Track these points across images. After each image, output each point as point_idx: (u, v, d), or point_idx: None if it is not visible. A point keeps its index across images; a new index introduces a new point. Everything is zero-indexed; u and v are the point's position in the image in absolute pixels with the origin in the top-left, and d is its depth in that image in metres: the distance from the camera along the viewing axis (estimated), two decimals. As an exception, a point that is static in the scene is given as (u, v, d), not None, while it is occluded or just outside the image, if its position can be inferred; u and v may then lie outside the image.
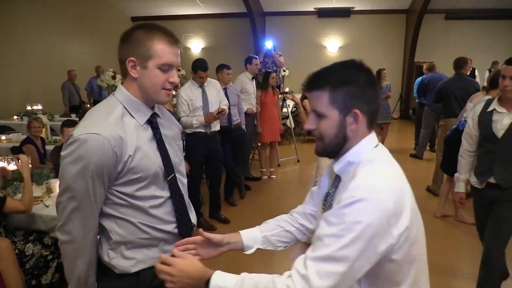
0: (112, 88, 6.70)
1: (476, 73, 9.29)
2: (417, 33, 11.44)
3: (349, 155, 1.16)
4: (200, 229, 1.40)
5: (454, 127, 4.24)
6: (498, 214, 2.56)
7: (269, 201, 5.10)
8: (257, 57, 5.73)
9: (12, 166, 3.04)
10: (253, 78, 5.50)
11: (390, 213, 1.01)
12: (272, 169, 6.13)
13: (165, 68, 1.33)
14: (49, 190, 3.25)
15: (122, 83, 1.42)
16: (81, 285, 1.40)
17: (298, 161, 7.10)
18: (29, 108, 7.51)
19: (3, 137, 5.55)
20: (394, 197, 1.03)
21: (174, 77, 1.37)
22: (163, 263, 1.18)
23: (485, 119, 2.60)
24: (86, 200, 1.28)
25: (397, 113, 11.94)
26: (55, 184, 3.11)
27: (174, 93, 3.96)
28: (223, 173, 4.63)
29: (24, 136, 5.06)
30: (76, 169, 1.24)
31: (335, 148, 1.17)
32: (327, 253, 1.00)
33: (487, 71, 9.74)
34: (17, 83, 8.71)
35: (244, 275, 1.11)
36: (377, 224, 0.99)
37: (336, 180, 1.23)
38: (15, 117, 7.24)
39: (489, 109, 2.61)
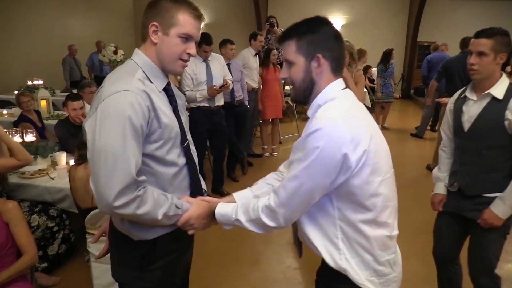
0: (114, 64, 6.66)
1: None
2: (420, 12, 11.30)
3: (318, 99, 1.29)
4: (198, 196, 1.49)
5: None
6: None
7: (270, 178, 5.15)
8: (262, 33, 5.68)
9: (31, 137, 3.06)
10: (256, 54, 5.46)
11: (346, 139, 1.15)
12: (274, 146, 6.15)
13: (186, 37, 1.35)
14: (54, 163, 3.28)
15: (138, 48, 1.42)
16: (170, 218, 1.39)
17: (300, 138, 7.11)
18: (29, 83, 7.46)
19: (5, 112, 5.55)
20: (349, 125, 1.18)
21: (193, 49, 1.38)
22: (182, 222, 1.40)
23: (456, 107, 2.13)
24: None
25: (399, 93, 11.89)
26: (60, 157, 3.14)
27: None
28: (226, 149, 4.65)
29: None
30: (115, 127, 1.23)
31: (305, 92, 1.31)
32: (293, 173, 1.21)
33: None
34: (17, 57, 8.65)
35: (239, 203, 1.39)
36: (333, 149, 1.15)
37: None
38: (16, 92, 7.19)
39: (462, 94, 2.15)
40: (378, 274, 1.30)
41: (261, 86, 5.61)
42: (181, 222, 1.39)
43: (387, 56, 7.67)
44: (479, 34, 1.97)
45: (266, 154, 6.03)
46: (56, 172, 3.05)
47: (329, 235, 1.29)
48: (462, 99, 2.12)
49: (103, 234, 1.70)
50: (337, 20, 12.34)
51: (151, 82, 1.36)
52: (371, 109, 8.56)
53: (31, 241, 2.20)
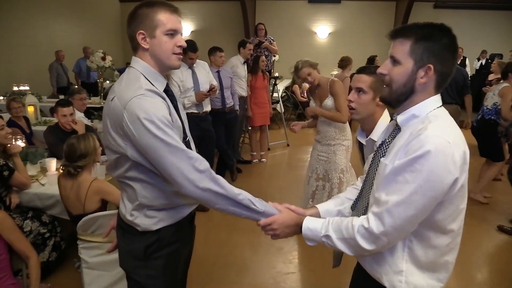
0: (102, 70, 6.65)
1: (467, 62, 9.48)
2: (406, 21, 11.51)
3: (415, 109, 1.23)
4: (286, 204, 1.53)
5: (478, 117, 4.51)
6: None
7: (259, 184, 5.19)
8: (251, 41, 5.73)
9: (20, 143, 3.07)
10: (245, 62, 5.51)
11: (457, 164, 1.12)
12: (262, 153, 6.20)
13: (171, 33, 1.43)
14: (43, 169, 3.26)
15: (135, 55, 1.49)
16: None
17: (288, 145, 7.17)
18: (15, 88, 7.38)
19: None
20: (460, 148, 1.14)
21: (181, 41, 1.47)
22: (265, 224, 1.43)
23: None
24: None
25: (385, 100, 12.05)
26: (50, 163, 3.13)
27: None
28: (215, 155, 4.67)
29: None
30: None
31: (400, 97, 1.24)
32: (400, 198, 1.13)
33: (476, 60, 9.96)
34: (1, 63, 8.51)
35: (329, 218, 1.33)
36: (445, 173, 1.11)
37: (395, 131, 1.31)
38: (1, 97, 7.12)
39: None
40: None
41: (249, 93, 5.65)
42: (264, 223, 1.43)
43: (371, 62, 7.84)
44: (360, 70, 1.90)
45: (255, 160, 6.06)
46: (47, 178, 3.03)
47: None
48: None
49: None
50: (324, 28, 12.49)
51: (153, 85, 1.45)
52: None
53: (28, 244, 2.24)
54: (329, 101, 3.41)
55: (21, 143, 2.99)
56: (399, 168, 1.15)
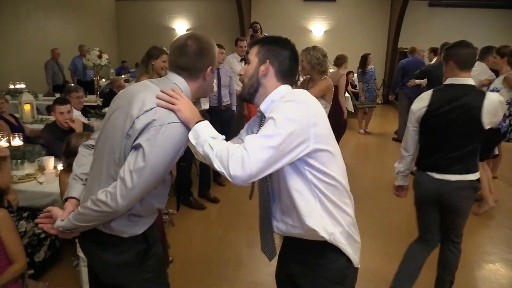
0: (98, 68, 6.64)
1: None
2: (401, 19, 11.58)
3: (272, 95, 1.47)
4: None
5: None
6: None
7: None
8: (243, 39, 5.74)
9: (3, 143, 3.03)
10: (242, 59, 5.52)
11: (312, 123, 1.33)
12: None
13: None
14: (41, 168, 3.27)
15: (179, 75, 1.54)
16: None
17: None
18: (11, 86, 7.36)
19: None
20: (314, 107, 1.39)
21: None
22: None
23: None
24: None
25: (380, 98, 12.12)
26: (48, 161, 3.13)
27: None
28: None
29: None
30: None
31: (250, 89, 1.50)
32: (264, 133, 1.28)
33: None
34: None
35: (221, 136, 1.34)
36: (304, 125, 1.31)
37: (262, 120, 1.49)
38: (-4, 95, 7.09)
39: None
40: None
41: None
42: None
43: (364, 59, 7.91)
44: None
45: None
46: (44, 176, 3.03)
47: None
48: None
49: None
50: (320, 26, 12.52)
51: None
52: (353, 114, 8.75)
53: (21, 250, 2.24)
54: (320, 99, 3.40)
55: (18, 141, 2.96)
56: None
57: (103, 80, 8.90)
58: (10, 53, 8.77)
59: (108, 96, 5.83)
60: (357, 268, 1.56)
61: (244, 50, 5.55)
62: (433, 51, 6.77)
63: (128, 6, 13.37)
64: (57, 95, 7.44)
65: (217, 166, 1.24)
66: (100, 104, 6.11)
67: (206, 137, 1.30)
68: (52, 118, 5.27)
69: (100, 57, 6.54)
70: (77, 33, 10.98)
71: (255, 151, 1.21)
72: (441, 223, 2.55)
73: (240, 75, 1.54)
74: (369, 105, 8.03)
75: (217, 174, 5.03)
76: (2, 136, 2.82)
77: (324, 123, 1.41)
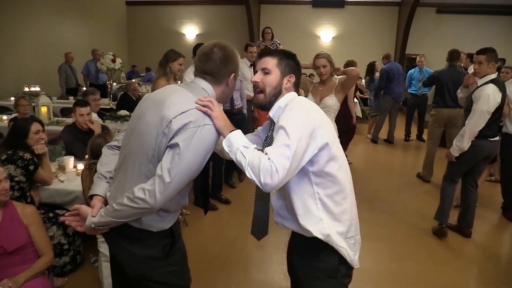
0: (111, 72, 6.78)
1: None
2: (409, 26, 11.65)
3: (279, 102, 1.64)
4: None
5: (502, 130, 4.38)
6: None
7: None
8: (253, 44, 5.84)
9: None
10: (251, 65, 5.62)
11: (315, 125, 1.47)
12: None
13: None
14: (61, 167, 3.38)
15: (205, 80, 1.65)
16: None
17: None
18: (26, 89, 7.52)
19: (4, 117, 5.61)
20: (315, 111, 1.54)
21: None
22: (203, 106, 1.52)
23: None
24: None
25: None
26: (68, 161, 3.25)
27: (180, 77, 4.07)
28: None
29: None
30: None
31: (272, 98, 1.65)
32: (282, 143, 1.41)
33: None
34: (10, 65, 8.64)
35: (252, 145, 1.46)
36: (309, 128, 1.45)
37: (272, 125, 1.66)
38: (12, 98, 7.25)
39: None
40: None
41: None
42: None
43: (371, 68, 8.00)
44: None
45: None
46: (65, 175, 3.15)
47: None
48: None
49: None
50: (328, 32, 12.64)
51: None
52: (361, 119, 8.82)
53: (49, 244, 2.35)
54: (329, 100, 3.51)
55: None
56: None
57: (114, 84, 9.05)
58: (25, 57, 8.97)
59: (122, 99, 5.95)
60: (352, 267, 1.68)
61: (254, 56, 5.63)
62: (470, 56, 6.86)
63: (139, 11, 13.58)
64: (71, 98, 7.61)
65: (249, 174, 1.38)
66: (114, 107, 6.24)
67: (238, 146, 1.43)
68: (67, 120, 5.43)
69: (113, 61, 6.69)
70: (89, 37, 11.19)
71: (279, 162, 1.35)
72: (470, 169, 3.71)
73: (256, 82, 1.65)
74: (374, 114, 8.12)
75: (228, 177, 5.12)
76: (40, 137, 2.96)
77: (326, 125, 1.54)
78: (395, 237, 3.88)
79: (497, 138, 3.59)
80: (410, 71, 8.02)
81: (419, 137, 8.06)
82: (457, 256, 3.57)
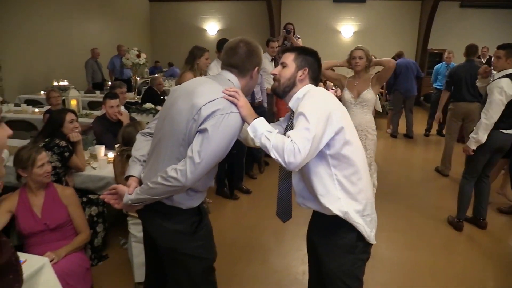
0: (136, 67, 7.02)
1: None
2: (431, 21, 11.54)
3: (297, 94, 1.80)
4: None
5: None
6: None
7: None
8: (275, 40, 5.97)
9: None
10: (272, 59, 5.75)
11: (331, 111, 1.62)
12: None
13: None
14: (92, 155, 3.60)
15: (231, 72, 1.81)
16: None
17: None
18: (55, 84, 7.84)
19: (36, 110, 5.91)
20: (331, 99, 1.70)
21: None
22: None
23: None
24: None
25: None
26: (99, 149, 3.46)
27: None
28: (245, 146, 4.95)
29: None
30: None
31: (286, 88, 1.81)
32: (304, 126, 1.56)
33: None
34: (39, 60, 9.00)
35: (274, 130, 1.61)
36: (326, 113, 1.60)
37: (292, 115, 1.80)
38: (42, 92, 7.59)
39: None
40: None
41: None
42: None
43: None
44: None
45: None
46: (98, 163, 3.36)
47: None
48: None
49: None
50: (349, 27, 12.62)
51: None
52: (380, 114, 8.84)
53: (85, 223, 2.59)
54: (367, 94, 3.61)
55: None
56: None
57: (138, 78, 9.32)
58: (54, 53, 9.33)
59: (147, 93, 6.17)
60: (370, 244, 1.81)
61: (275, 51, 5.77)
62: None
63: (162, 8, 13.85)
64: (97, 92, 7.90)
65: (273, 155, 1.53)
66: (138, 101, 6.47)
67: (263, 131, 1.59)
68: (95, 112, 5.68)
69: (138, 56, 6.91)
70: (113, 33, 11.50)
71: (301, 143, 1.49)
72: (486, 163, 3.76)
73: (274, 74, 1.84)
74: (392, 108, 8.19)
75: (248, 168, 5.29)
76: (75, 126, 3.20)
77: (341, 110, 1.71)
78: (411, 228, 3.98)
79: (511, 131, 3.63)
80: (437, 66, 8.00)
81: (440, 132, 8.05)
82: (472, 247, 3.65)
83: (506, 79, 3.44)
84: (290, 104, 1.82)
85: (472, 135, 3.61)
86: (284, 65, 1.83)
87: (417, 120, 8.22)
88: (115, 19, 11.83)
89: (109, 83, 9.07)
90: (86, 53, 9.00)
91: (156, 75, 10.51)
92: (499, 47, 3.59)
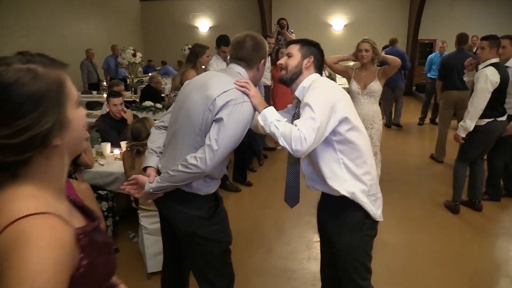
0: (132, 66, 7.09)
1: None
2: (421, 11, 11.69)
3: (303, 83, 1.91)
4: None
5: None
6: None
7: (284, 168, 5.53)
8: (272, 36, 6.07)
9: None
10: (269, 54, 5.85)
11: (335, 100, 1.72)
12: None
13: None
14: (98, 153, 3.69)
15: (239, 65, 1.92)
16: None
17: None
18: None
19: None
20: (334, 89, 1.82)
21: None
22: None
23: None
24: None
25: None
26: (106, 147, 3.55)
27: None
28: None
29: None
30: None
31: (293, 75, 1.91)
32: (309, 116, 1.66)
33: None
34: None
35: (283, 119, 1.72)
36: (330, 103, 1.70)
37: (299, 103, 1.91)
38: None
39: None
40: None
41: (273, 84, 6.02)
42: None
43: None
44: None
45: (279, 147, 6.40)
46: (105, 159, 3.46)
47: None
48: None
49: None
50: (340, 20, 12.76)
51: None
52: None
53: (101, 216, 2.68)
54: (374, 85, 3.73)
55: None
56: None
57: (133, 77, 9.36)
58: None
59: (145, 91, 6.25)
60: (377, 221, 1.94)
61: (271, 47, 5.88)
62: None
63: (153, 6, 13.87)
64: (94, 92, 7.95)
65: (281, 142, 1.65)
66: (136, 99, 6.53)
67: (272, 120, 1.70)
68: (94, 112, 5.76)
69: (134, 55, 6.98)
70: (106, 33, 11.54)
71: (307, 131, 1.60)
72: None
73: (281, 64, 1.94)
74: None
75: (248, 161, 5.40)
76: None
77: (346, 100, 1.82)
78: (408, 213, 4.12)
79: (505, 117, 3.77)
80: (430, 56, 8.13)
81: (433, 120, 8.21)
82: (468, 228, 3.81)
83: (491, 67, 3.59)
84: (297, 93, 1.93)
85: (460, 123, 3.74)
86: (290, 55, 1.93)
87: (410, 110, 8.39)
88: (108, 19, 11.85)
89: (104, 83, 9.12)
90: (80, 54, 9.03)
91: (150, 74, 10.57)
92: (482, 38, 3.73)
